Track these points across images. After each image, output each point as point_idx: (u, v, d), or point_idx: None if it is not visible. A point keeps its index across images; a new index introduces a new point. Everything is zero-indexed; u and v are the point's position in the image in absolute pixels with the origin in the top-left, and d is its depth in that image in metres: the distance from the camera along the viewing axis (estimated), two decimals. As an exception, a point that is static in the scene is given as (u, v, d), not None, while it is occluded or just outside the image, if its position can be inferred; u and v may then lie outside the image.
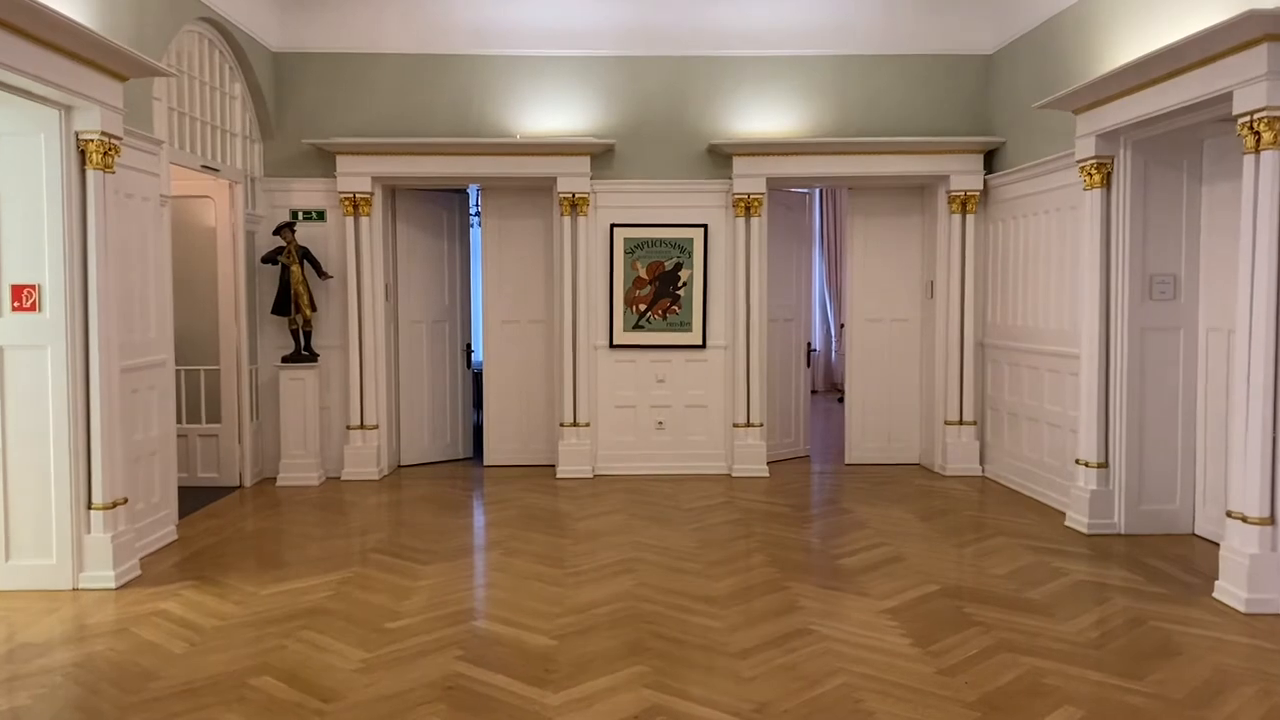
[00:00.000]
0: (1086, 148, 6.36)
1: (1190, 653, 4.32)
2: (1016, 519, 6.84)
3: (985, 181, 8.29)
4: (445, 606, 4.98)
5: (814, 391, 14.04)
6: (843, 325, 15.01)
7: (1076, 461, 6.59)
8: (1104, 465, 6.42)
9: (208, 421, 8.04)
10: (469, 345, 9.41)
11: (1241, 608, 4.79)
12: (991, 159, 8.33)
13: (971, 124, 8.48)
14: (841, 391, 14.54)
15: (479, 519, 6.98)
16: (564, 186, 8.24)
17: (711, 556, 5.89)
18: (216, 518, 6.99)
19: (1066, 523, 6.62)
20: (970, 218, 8.33)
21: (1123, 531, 6.36)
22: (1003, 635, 4.52)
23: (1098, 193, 6.36)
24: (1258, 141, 4.75)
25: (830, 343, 15.18)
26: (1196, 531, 6.31)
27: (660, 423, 8.59)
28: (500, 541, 6.29)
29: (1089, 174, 6.38)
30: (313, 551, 6.06)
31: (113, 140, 5.39)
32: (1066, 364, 7.00)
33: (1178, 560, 5.76)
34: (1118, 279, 6.33)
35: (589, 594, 5.16)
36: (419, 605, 5.00)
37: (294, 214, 8.37)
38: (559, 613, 4.87)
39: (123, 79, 5.48)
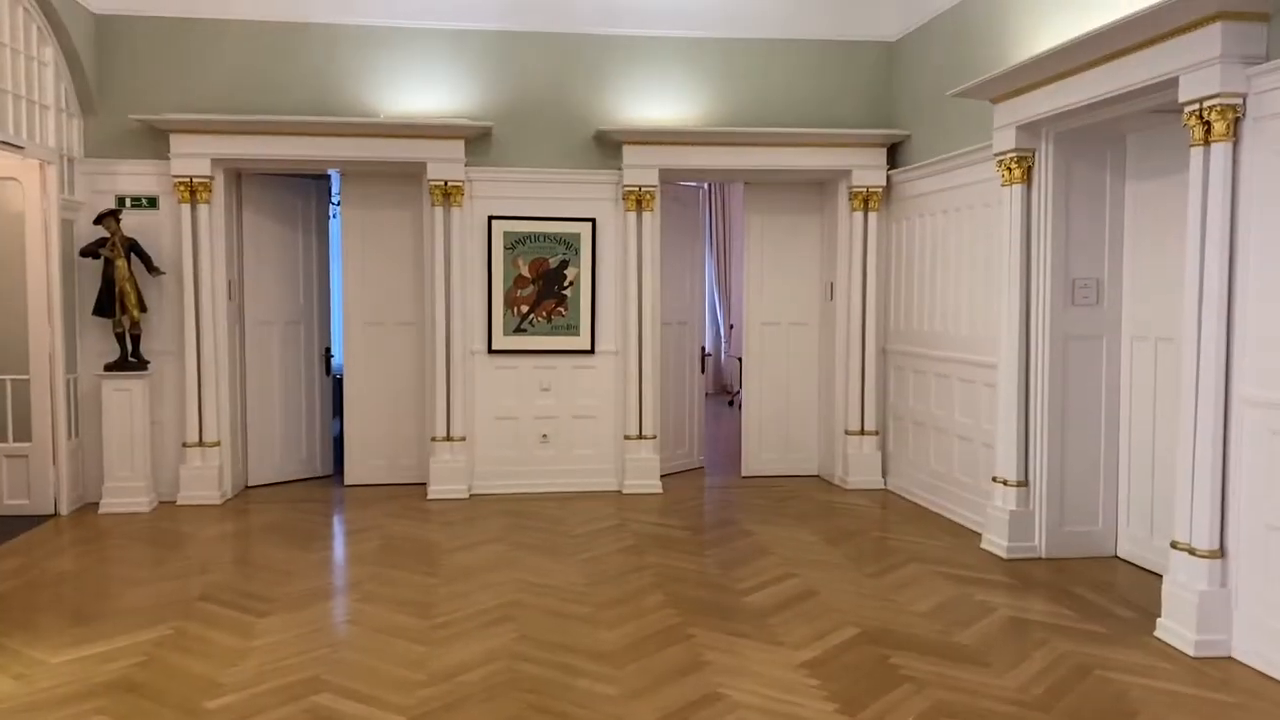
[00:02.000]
0: (1005, 140, 5.89)
1: (1149, 711, 3.81)
2: (929, 540, 6.34)
3: (888, 177, 7.80)
4: (282, 674, 4.11)
5: (705, 394, 13.52)
6: (732, 326, 14.51)
7: (994, 479, 6.13)
8: (1023, 484, 5.96)
9: (16, 440, 6.90)
10: (328, 349, 8.44)
11: (1190, 650, 4.33)
12: (895, 153, 7.85)
13: (874, 116, 7.98)
14: (732, 394, 14.03)
15: (334, 553, 6.09)
16: (435, 173, 7.39)
17: (602, 596, 5.17)
18: (19, 555, 5.91)
19: (983, 544, 6.15)
20: (873, 215, 7.84)
21: (1044, 555, 5.92)
22: (939, 695, 3.93)
23: (1018, 189, 5.89)
24: (1207, 132, 4.30)
25: (720, 344, 14.65)
26: (1120, 554, 5.91)
27: (545, 436, 7.82)
28: (356, 583, 5.43)
29: (1008, 169, 5.91)
30: (128, 600, 5.08)
31: None
32: (979, 373, 6.54)
33: (1107, 589, 5.32)
34: (1038, 283, 5.88)
35: (459, 653, 4.36)
36: (250, 674, 4.11)
37: (120, 200, 7.27)
38: (422, 681, 4.06)
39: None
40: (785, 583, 5.42)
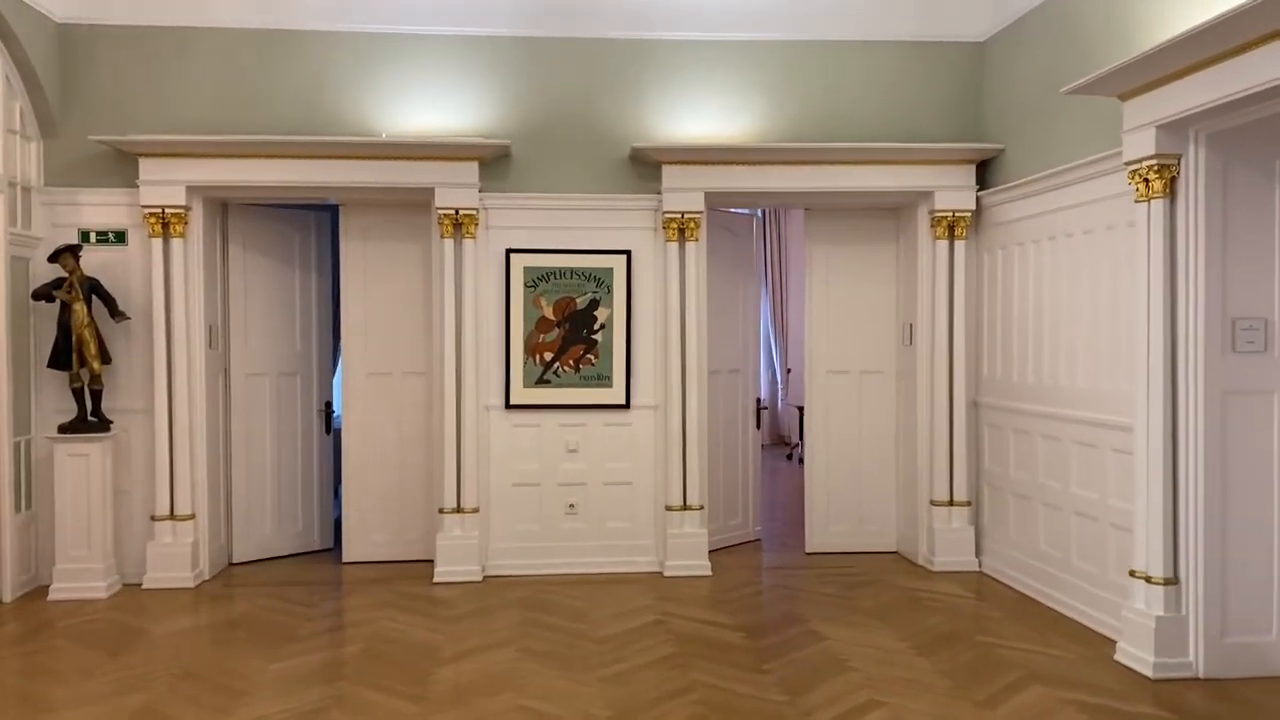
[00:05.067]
0: (1142, 144, 4.65)
1: None
2: (1047, 649, 5.03)
3: (978, 199, 6.57)
4: None
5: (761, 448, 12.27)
6: (789, 371, 13.27)
7: (1132, 573, 4.81)
8: (1173, 581, 4.65)
9: (-44, 513, 5.92)
10: (329, 403, 7.38)
11: None
12: (984, 172, 6.62)
13: (959, 128, 6.77)
14: (790, 446, 12.76)
15: (304, 660, 4.94)
16: (444, 200, 6.33)
17: (629, 736, 3.96)
18: (-70, 660, 4.88)
19: (1119, 656, 4.83)
20: (959, 244, 6.60)
21: (1201, 674, 4.59)
22: None
23: (1158, 205, 4.64)
24: None
25: (776, 390, 13.39)
26: (1306, 675, 4.57)
27: (571, 506, 6.65)
28: (320, 710, 4.27)
29: (1144, 180, 4.66)
30: (27, 735, 4.00)
31: None
32: (1105, 436, 5.25)
33: (1303, 732, 3.99)
34: (1188, 323, 4.60)
35: (424, 840, 3.18)
36: None
37: (84, 235, 6.32)
38: None
39: None
40: (870, 717, 4.16)
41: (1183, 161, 4.59)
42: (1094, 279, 5.37)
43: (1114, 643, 5.01)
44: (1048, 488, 5.83)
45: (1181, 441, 4.64)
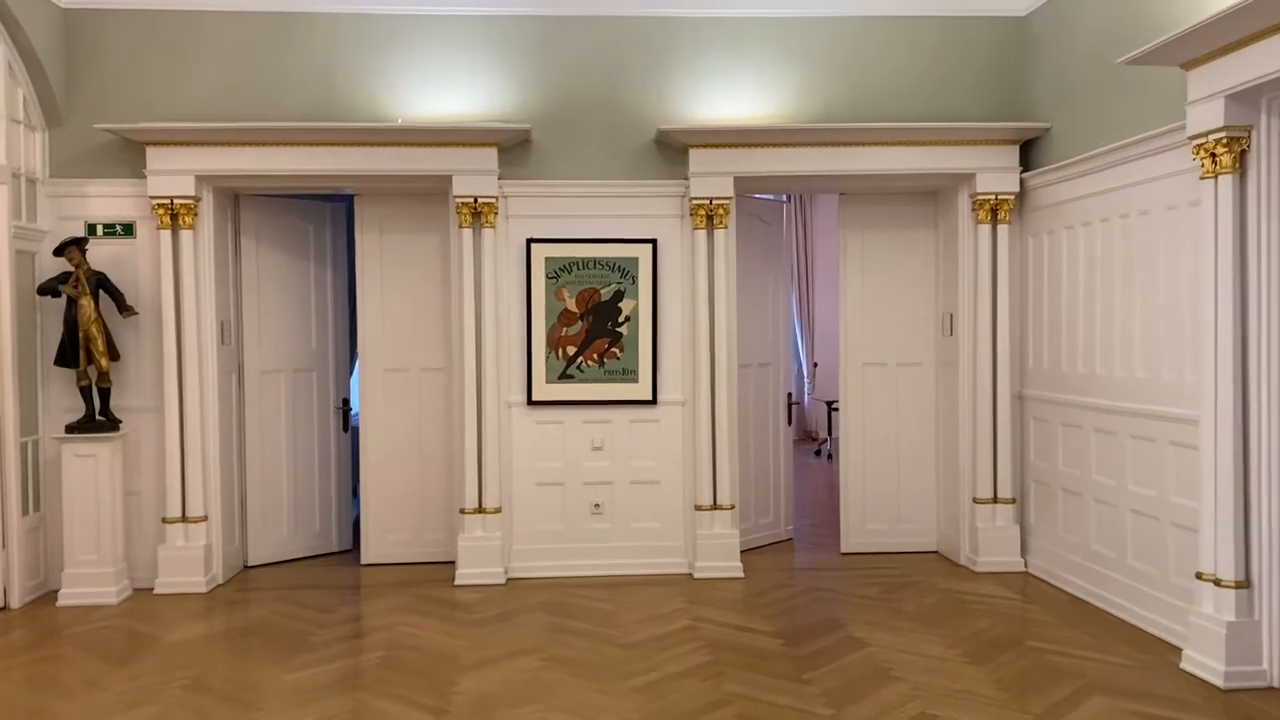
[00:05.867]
0: (1209, 116, 4.33)
1: None
2: (1106, 656, 4.72)
3: (1022, 181, 6.25)
4: None
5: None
6: (816, 364, 12.97)
7: (1199, 576, 4.50)
8: (1245, 584, 4.33)
9: (-37, 516, 5.72)
10: (346, 400, 7.15)
11: None
12: (1028, 152, 6.30)
13: (1001, 106, 6.45)
14: (818, 442, 12.47)
15: (320, 670, 4.70)
16: (462, 189, 6.07)
17: (664, 754, 3.69)
18: (-68, 670, 4.68)
19: (1184, 664, 4.52)
20: (1002, 229, 6.29)
21: (1277, 684, 4.27)
22: None
23: (1227, 182, 4.32)
24: None
25: (803, 384, 13.08)
26: (1392, 686, 4.24)
27: (597, 506, 6.39)
28: (334, 725, 4.04)
29: (1211, 155, 4.34)
30: (26, 753, 3.77)
31: None
32: (1165, 429, 4.93)
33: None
34: (1261, 308, 4.28)
35: None
36: None
37: (91, 228, 6.10)
38: None
39: None
40: (921, 732, 3.89)
41: (1254, 134, 4.26)
42: (1152, 263, 5.05)
43: (1176, 649, 4.70)
44: (1101, 484, 5.51)
45: (1254, 434, 4.32)
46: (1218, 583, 4.38)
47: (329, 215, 7.04)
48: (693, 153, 6.15)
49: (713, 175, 6.15)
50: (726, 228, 6.23)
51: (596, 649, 4.89)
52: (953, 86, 6.43)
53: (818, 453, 12.01)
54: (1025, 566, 6.28)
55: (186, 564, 6.03)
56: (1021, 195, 6.28)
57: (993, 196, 6.23)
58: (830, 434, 11.70)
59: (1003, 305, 6.26)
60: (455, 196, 6.08)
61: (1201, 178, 4.43)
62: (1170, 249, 4.89)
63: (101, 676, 4.60)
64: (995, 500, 6.30)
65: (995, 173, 6.23)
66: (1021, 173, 6.24)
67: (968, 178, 6.29)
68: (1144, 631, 5.05)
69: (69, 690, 4.44)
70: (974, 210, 6.30)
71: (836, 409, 10.92)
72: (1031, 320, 6.22)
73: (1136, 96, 5.14)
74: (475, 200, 6.08)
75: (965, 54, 6.44)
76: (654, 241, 6.30)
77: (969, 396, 6.37)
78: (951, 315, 6.55)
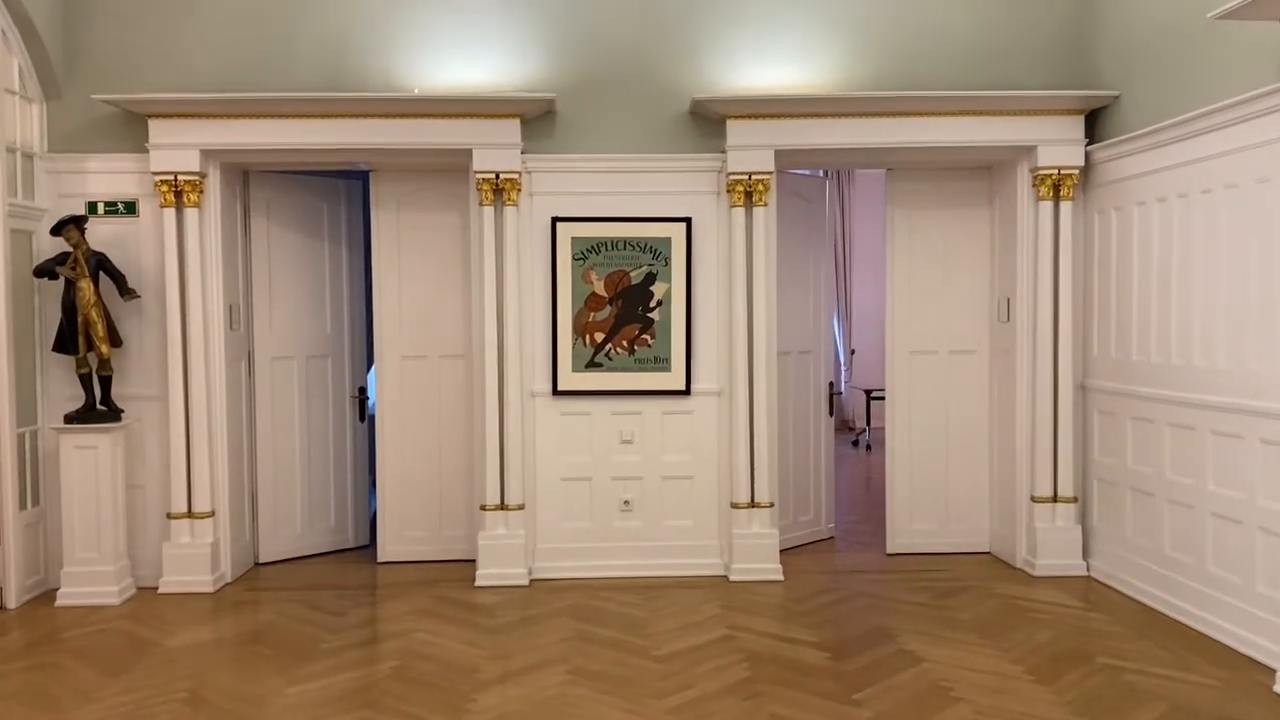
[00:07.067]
0: (1317, 75, 3.85)
1: None
2: (1187, 673, 4.28)
3: (1087, 154, 5.77)
4: None
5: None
6: (853, 352, 12.51)
7: (1297, 590, 4.05)
8: (1352, 601, 3.88)
9: (-42, 510, 5.42)
10: (363, 389, 6.79)
11: None
12: (1094, 123, 5.82)
13: (1064, 74, 5.97)
14: (856, 432, 12.02)
15: (327, 682, 4.35)
16: (483, 163, 5.68)
17: (702, 789, 3.30)
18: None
19: (1278, 687, 4.07)
20: (1065, 206, 5.81)
21: (1388, 713, 3.83)
22: None
23: (1337, 149, 3.84)
24: None
25: (840, 372, 12.61)
26: None
27: (626, 503, 6.00)
28: (339, 749, 3.68)
29: (1318, 119, 3.87)
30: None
31: None
32: (1253, 425, 4.46)
33: None
34: (1374, 291, 3.81)
35: None
36: None
37: (91, 205, 5.77)
38: None
39: None
40: (990, 766, 3.47)
41: (1369, 94, 3.79)
42: (1238, 242, 4.57)
43: (1264, 667, 4.27)
44: (1176, 484, 5.05)
45: (1362, 433, 3.86)
46: (1320, 598, 3.93)
47: (344, 193, 6.67)
48: (730, 124, 5.72)
49: (752, 149, 5.71)
50: (766, 205, 5.80)
51: (626, 661, 4.51)
52: (1012, 53, 5.95)
53: (855, 443, 11.56)
54: (1087, 570, 5.83)
55: (192, 562, 5.70)
56: (1087, 169, 5.80)
57: (1055, 171, 5.76)
58: (869, 424, 11.24)
59: (1065, 289, 5.80)
60: (475, 172, 5.69)
61: (1305, 145, 3.96)
62: (1261, 227, 4.41)
63: (94, 688, 4.27)
64: (1055, 499, 5.85)
65: (1058, 145, 5.75)
66: (1087, 145, 5.76)
67: (1028, 150, 5.82)
68: (1225, 646, 4.60)
69: (56, 704, 4.11)
70: (1034, 186, 5.83)
71: (876, 398, 10.51)
72: (1097, 305, 5.75)
73: (1221, 60, 4.64)
74: (497, 176, 5.69)
75: (1024, 18, 5.95)
76: (688, 220, 5.87)
77: (1027, 387, 5.91)
78: (1008, 299, 6.09)
